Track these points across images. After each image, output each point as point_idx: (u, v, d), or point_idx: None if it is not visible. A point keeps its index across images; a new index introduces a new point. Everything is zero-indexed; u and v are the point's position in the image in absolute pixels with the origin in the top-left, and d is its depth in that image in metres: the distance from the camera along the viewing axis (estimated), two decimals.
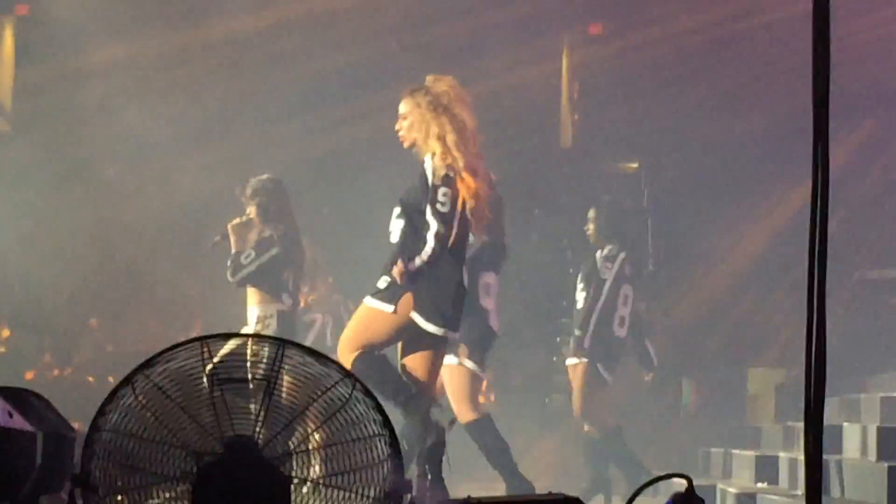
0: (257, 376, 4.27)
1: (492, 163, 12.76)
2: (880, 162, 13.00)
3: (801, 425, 9.04)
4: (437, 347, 7.22)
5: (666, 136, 13.60)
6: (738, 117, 13.40)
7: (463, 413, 8.47)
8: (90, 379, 13.01)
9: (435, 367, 7.29)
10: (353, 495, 4.25)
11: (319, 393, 4.25)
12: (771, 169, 12.97)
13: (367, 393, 4.25)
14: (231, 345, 4.49)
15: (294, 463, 4.28)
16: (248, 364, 4.40)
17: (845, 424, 8.66)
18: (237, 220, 9.65)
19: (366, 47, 13.37)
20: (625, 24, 13.58)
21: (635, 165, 14.28)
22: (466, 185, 7.16)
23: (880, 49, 12.38)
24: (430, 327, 7.10)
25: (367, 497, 4.22)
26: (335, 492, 4.25)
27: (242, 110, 13.29)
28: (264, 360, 4.30)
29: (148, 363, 4.29)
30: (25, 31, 13.40)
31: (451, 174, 7.12)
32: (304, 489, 4.32)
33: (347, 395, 4.24)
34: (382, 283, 7.18)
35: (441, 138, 7.16)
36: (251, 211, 9.65)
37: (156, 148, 12.88)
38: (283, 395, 4.33)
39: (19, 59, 13.39)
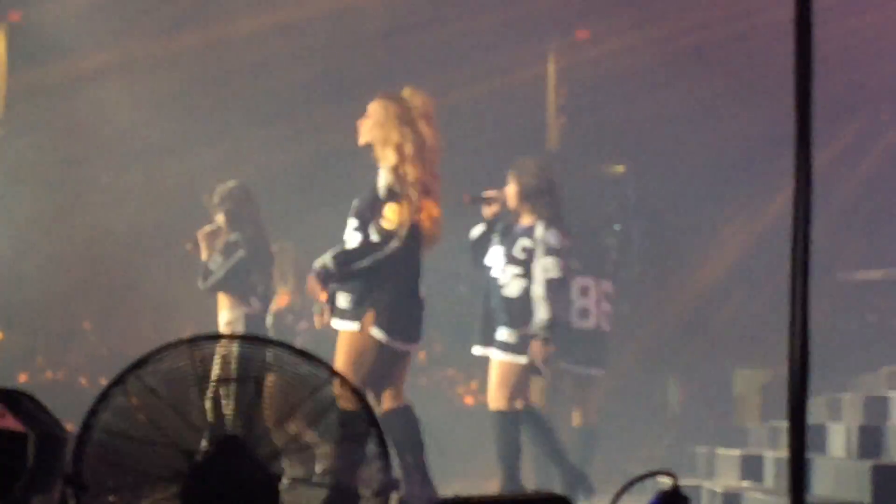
0: (247, 376, 4.32)
1: (480, 167, 12.87)
2: (862, 163, 13.07)
3: (785, 425, 9.09)
4: (400, 361, 7.26)
5: (652, 139, 13.66)
6: (723, 120, 13.45)
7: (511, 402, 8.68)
8: (82, 381, 13.04)
9: (400, 379, 7.30)
10: (341, 493, 4.29)
11: (308, 392, 4.30)
12: (756, 171, 13.04)
13: (356, 392, 4.30)
14: (221, 345, 4.53)
15: (283, 462, 4.33)
16: (238, 364, 4.44)
17: (829, 424, 8.72)
18: (207, 228, 9.71)
19: (353, 52, 13.41)
20: (611, 29, 13.63)
21: (622, 169, 14.34)
22: (414, 202, 7.18)
23: (861, 53, 12.45)
24: (392, 343, 7.13)
25: (356, 495, 4.26)
26: (324, 490, 4.30)
27: (234, 114, 13.32)
28: (254, 361, 4.34)
29: (139, 364, 4.33)
30: (18, 37, 13.42)
31: (400, 189, 7.15)
32: (294, 487, 4.37)
33: (336, 395, 4.29)
34: (345, 300, 7.19)
35: (398, 148, 7.22)
36: (219, 218, 9.71)
37: (148, 152, 12.92)
38: (273, 394, 4.37)
39: (12, 66, 13.42)
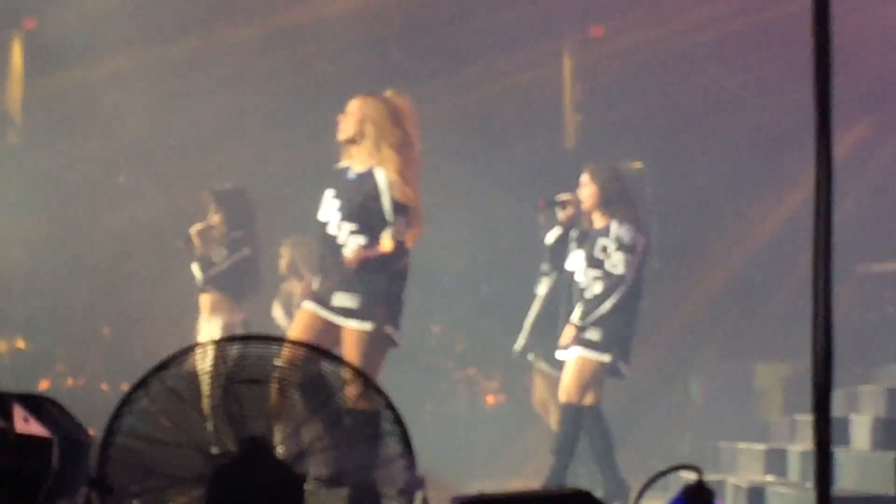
0: (270, 377, 4.32)
1: (495, 165, 12.87)
2: (881, 155, 13.02)
3: (808, 418, 9.09)
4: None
5: (669, 135, 13.64)
6: (740, 114, 13.42)
7: (590, 398, 8.75)
8: (104, 387, 13.07)
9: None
10: (365, 493, 4.30)
11: (331, 392, 4.31)
12: (774, 165, 13.01)
13: (379, 391, 4.30)
14: (243, 347, 4.54)
15: (307, 462, 4.33)
16: (261, 365, 4.45)
17: (852, 416, 8.70)
18: (199, 226, 9.71)
19: (366, 52, 13.41)
20: (625, 25, 13.62)
21: (639, 165, 14.32)
22: (418, 210, 7.20)
23: (881, 41, 12.40)
24: (399, 339, 7.18)
25: (380, 494, 4.27)
26: (348, 490, 4.30)
27: (252, 116, 13.34)
28: (276, 362, 4.35)
29: (162, 366, 4.34)
30: (33, 44, 13.46)
31: (405, 198, 7.12)
32: (318, 488, 4.37)
33: (359, 394, 4.30)
34: (353, 300, 7.15)
35: (399, 150, 7.18)
36: (215, 219, 9.73)
37: (166, 156, 12.94)
38: (296, 395, 4.38)
39: (28, 73, 13.47)
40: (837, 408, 8.99)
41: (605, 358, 8.75)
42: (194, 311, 9.91)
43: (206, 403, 4.40)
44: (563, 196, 9.13)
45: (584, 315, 8.79)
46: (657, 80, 13.54)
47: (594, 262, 8.84)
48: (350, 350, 7.02)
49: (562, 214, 9.12)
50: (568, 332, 8.86)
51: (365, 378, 4.30)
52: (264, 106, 13.32)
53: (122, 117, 12.95)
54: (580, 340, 8.79)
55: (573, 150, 13.98)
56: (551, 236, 9.20)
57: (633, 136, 13.76)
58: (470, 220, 11.99)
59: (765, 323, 13.23)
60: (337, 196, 7.27)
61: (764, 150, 13.25)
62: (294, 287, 10.92)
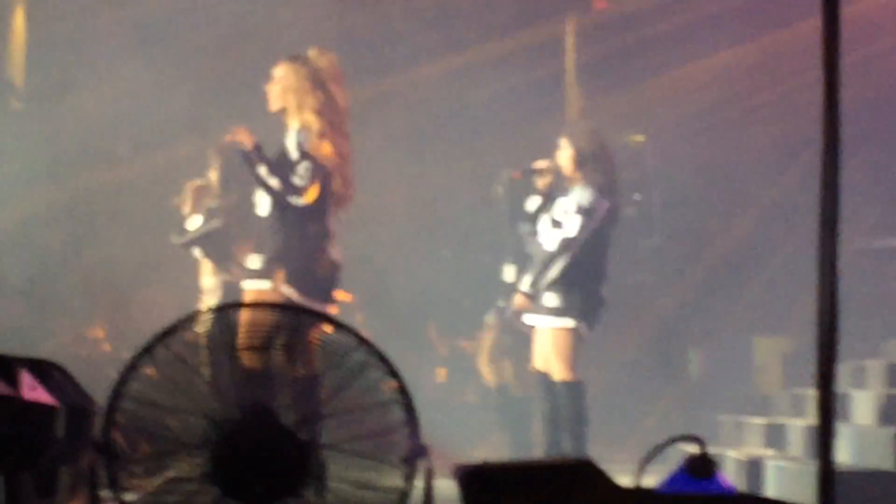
0: (275, 344, 4.33)
1: (500, 138, 12.86)
2: (883, 130, 12.99)
3: (809, 393, 9.11)
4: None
5: (671, 108, 13.63)
6: (744, 86, 13.41)
7: (560, 372, 8.53)
8: (106, 347, 13.07)
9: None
10: (369, 460, 4.31)
11: (336, 360, 4.32)
12: (778, 138, 13.00)
13: (383, 359, 4.31)
14: (249, 313, 4.55)
15: (311, 429, 4.35)
16: (266, 332, 4.46)
17: (853, 391, 8.72)
18: (197, 182, 9.64)
19: (369, 29, 13.40)
20: None
21: (641, 138, 14.32)
22: (333, 162, 7.23)
23: (888, 21, 12.38)
24: (305, 302, 7.10)
25: (384, 462, 4.28)
26: (352, 457, 4.31)
27: (258, 96, 13.31)
28: (282, 329, 4.36)
29: (167, 332, 4.35)
30: (35, 9, 13.43)
31: (316, 151, 7.18)
32: (322, 454, 4.38)
33: (363, 362, 4.31)
34: (256, 261, 7.25)
35: (318, 113, 7.23)
36: (212, 175, 9.65)
37: (170, 123, 12.90)
38: (301, 362, 4.39)
39: (30, 38, 13.43)
40: (840, 383, 9.02)
41: (570, 323, 8.50)
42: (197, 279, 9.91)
43: (209, 370, 4.41)
44: (540, 163, 8.90)
45: (534, 279, 8.62)
46: (660, 53, 13.52)
47: (556, 224, 8.66)
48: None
49: (539, 182, 8.89)
50: (517, 299, 8.75)
51: (369, 346, 4.32)
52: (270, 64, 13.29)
53: (124, 81, 12.91)
54: (540, 308, 8.61)
55: (575, 122, 13.96)
56: (532, 204, 8.91)
57: (636, 109, 13.76)
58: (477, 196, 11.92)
59: (764, 297, 13.25)
60: (266, 163, 7.36)
61: (768, 122, 13.24)
62: None
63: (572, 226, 8.57)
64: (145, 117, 13.02)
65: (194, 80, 12.93)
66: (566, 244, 8.57)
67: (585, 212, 8.57)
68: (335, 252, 7.33)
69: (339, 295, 7.53)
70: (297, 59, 7.40)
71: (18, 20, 13.56)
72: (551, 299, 8.57)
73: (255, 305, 4.60)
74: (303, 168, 7.17)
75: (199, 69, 13.00)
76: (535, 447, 9.24)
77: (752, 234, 13.76)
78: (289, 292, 7.07)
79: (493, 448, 9.35)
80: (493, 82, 13.54)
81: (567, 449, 8.40)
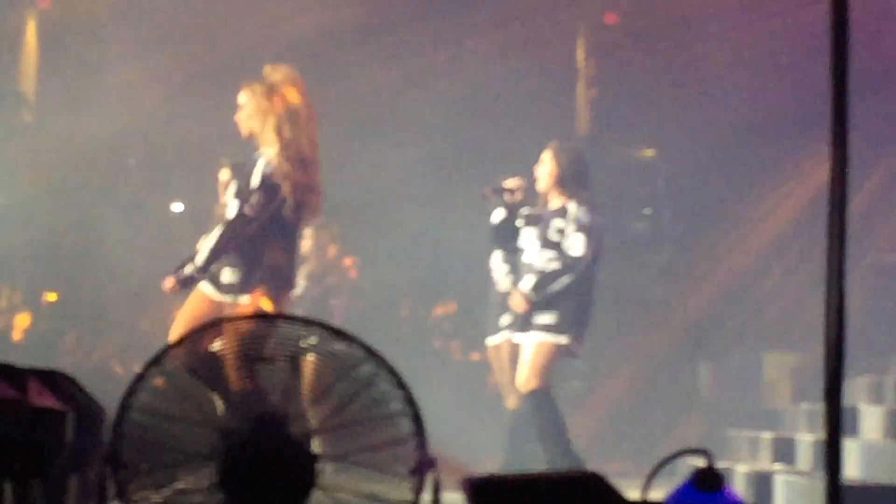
0: (283, 355, 4.34)
1: (509, 152, 12.86)
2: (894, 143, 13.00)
3: (817, 408, 9.10)
4: None
5: (682, 121, 13.64)
6: (755, 103, 13.42)
7: (527, 382, 8.60)
8: (116, 367, 13.10)
9: None
10: (377, 473, 4.32)
11: (344, 371, 4.32)
12: (788, 154, 13.00)
13: (392, 371, 4.32)
14: (257, 324, 4.56)
15: (319, 441, 4.35)
16: (275, 343, 4.46)
17: (863, 406, 8.71)
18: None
19: (377, 39, 13.44)
20: (639, 12, 13.61)
21: (652, 153, 14.35)
22: (295, 179, 7.29)
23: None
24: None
25: (392, 474, 4.29)
26: (360, 469, 4.32)
27: None
28: (290, 340, 4.36)
29: (176, 343, 4.36)
30: (48, 23, 13.49)
31: (278, 174, 7.25)
32: (329, 466, 4.39)
33: (372, 373, 4.31)
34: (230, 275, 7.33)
35: (277, 130, 7.30)
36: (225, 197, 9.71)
37: (179, 137, 12.95)
38: (309, 373, 4.40)
39: (43, 51, 13.49)
40: (849, 397, 9.02)
41: (563, 340, 8.63)
42: None
43: (219, 381, 4.42)
44: (510, 183, 9.07)
45: (537, 286, 8.67)
46: (670, 68, 13.54)
47: (549, 244, 8.74)
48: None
49: (509, 197, 9.04)
50: (516, 298, 8.80)
51: (378, 357, 4.32)
52: None
53: (137, 96, 12.97)
54: (535, 325, 8.69)
55: (586, 136, 13.99)
56: (496, 217, 9.08)
57: (646, 124, 13.78)
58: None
59: (774, 312, 13.26)
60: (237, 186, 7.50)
61: (778, 138, 13.24)
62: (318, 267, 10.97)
63: (577, 244, 8.68)
64: (156, 130, 13.07)
65: (205, 94, 12.98)
66: (572, 263, 8.68)
67: (587, 230, 8.69)
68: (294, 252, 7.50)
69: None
70: (253, 79, 7.49)
71: (31, 34, 13.63)
72: (546, 317, 8.67)
73: (261, 317, 4.60)
74: (255, 198, 7.28)
75: (209, 83, 13.04)
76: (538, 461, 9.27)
77: (764, 249, 13.77)
78: (269, 308, 7.17)
79: (500, 461, 9.36)
80: (503, 96, 13.56)
81: (554, 458, 8.45)
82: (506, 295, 9.45)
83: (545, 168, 8.92)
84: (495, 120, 13.47)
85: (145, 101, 12.94)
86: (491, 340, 10.06)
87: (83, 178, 13.19)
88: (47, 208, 13.08)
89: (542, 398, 8.63)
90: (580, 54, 14.12)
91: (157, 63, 13.14)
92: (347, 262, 11.61)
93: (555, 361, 8.72)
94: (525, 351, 8.76)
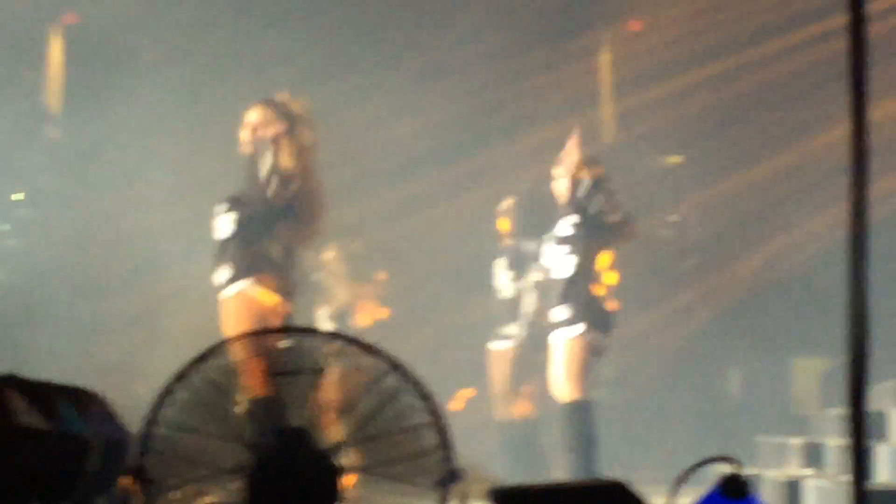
0: (309, 368, 4.36)
1: (534, 159, 12.85)
2: None
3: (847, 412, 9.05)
4: None
5: (708, 129, 13.62)
6: (780, 109, 13.39)
7: (568, 392, 8.43)
8: (139, 385, 13.11)
9: None
10: (403, 485, 4.32)
11: (369, 384, 4.34)
12: (812, 159, 12.96)
13: (416, 384, 4.33)
14: (283, 338, 4.57)
15: (345, 453, 4.36)
16: (300, 357, 4.48)
17: (891, 410, 8.67)
18: None
19: (403, 56, 13.47)
20: (663, 19, 13.60)
21: (678, 160, 14.32)
22: (310, 214, 7.37)
23: None
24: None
25: (419, 486, 4.29)
26: (385, 481, 4.33)
27: None
28: (316, 353, 4.38)
29: (201, 358, 4.38)
30: (74, 38, 13.55)
31: (296, 202, 7.30)
32: (355, 479, 4.40)
33: (396, 386, 4.33)
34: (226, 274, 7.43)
35: (289, 153, 7.33)
36: None
37: (203, 153, 12.97)
38: (335, 386, 4.41)
39: (69, 67, 13.55)
40: (877, 402, 8.98)
41: (580, 328, 8.37)
42: None
43: (245, 395, 4.44)
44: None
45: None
46: (696, 74, 13.52)
47: (562, 241, 8.63)
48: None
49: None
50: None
51: (402, 369, 4.33)
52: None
53: (164, 111, 13.00)
54: (555, 325, 8.53)
55: (611, 144, 13.97)
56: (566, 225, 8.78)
57: (672, 131, 13.75)
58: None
59: (803, 317, 13.20)
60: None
61: (803, 144, 13.20)
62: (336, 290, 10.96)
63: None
64: (181, 145, 13.09)
65: (231, 109, 13.00)
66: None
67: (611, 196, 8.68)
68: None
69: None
70: (269, 102, 7.53)
71: (55, 49, 13.68)
72: (560, 313, 8.50)
73: (286, 331, 4.62)
74: (276, 183, 7.30)
75: (235, 97, 13.07)
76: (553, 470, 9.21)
77: (791, 254, 13.72)
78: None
79: (527, 471, 9.34)
80: (525, 104, 13.57)
81: (577, 472, 8.28)
82: (509, 301, 9.40)
83: (572, 157, 8.80)
84: (519, 131, 13.47)
85: (171, 116, 12.97)
86: (494, 346, 10.00)
87: (108, 193, 13.21)
88: (73, 223, 13.11)
89: (583, 411, 8.41)
90: (604, 61, 14.11)
91: (182, 77, 13.17)
92: (381, 276, 11.51)
93: (580, 362, 8.44)
94: (555, 353, 8.56)
